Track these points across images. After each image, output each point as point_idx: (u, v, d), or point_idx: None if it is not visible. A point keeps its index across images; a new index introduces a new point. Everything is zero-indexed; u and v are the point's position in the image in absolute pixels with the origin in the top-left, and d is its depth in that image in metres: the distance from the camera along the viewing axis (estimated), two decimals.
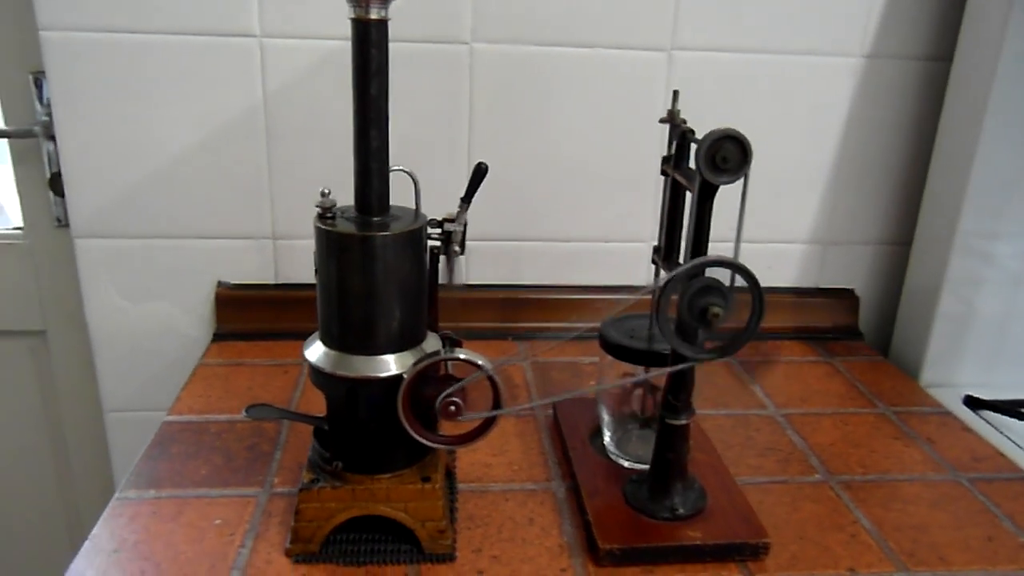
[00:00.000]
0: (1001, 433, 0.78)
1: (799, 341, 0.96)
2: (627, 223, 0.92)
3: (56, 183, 0.94)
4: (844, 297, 0.98)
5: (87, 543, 0.57)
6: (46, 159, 0.97)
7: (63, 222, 0.96)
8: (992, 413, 0.82)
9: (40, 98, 0.94)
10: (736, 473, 0.68)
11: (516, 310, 0.92)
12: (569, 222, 0.92)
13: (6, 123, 0.97)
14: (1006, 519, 0.64)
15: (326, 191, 0.54)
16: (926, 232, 0.91)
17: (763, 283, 0.94)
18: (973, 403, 0.84)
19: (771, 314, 0.95)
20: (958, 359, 0.89)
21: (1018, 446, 0.76)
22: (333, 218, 0.54)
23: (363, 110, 0.52)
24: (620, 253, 0.94)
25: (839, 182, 0.94)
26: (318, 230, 0.53)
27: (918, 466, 0.71)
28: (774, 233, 0.95)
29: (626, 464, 0.67)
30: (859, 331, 0.98)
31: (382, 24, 0.51)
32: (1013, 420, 0.80)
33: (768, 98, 0.90)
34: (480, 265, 0.93)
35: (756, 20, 0.86)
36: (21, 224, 1.01)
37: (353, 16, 0.50)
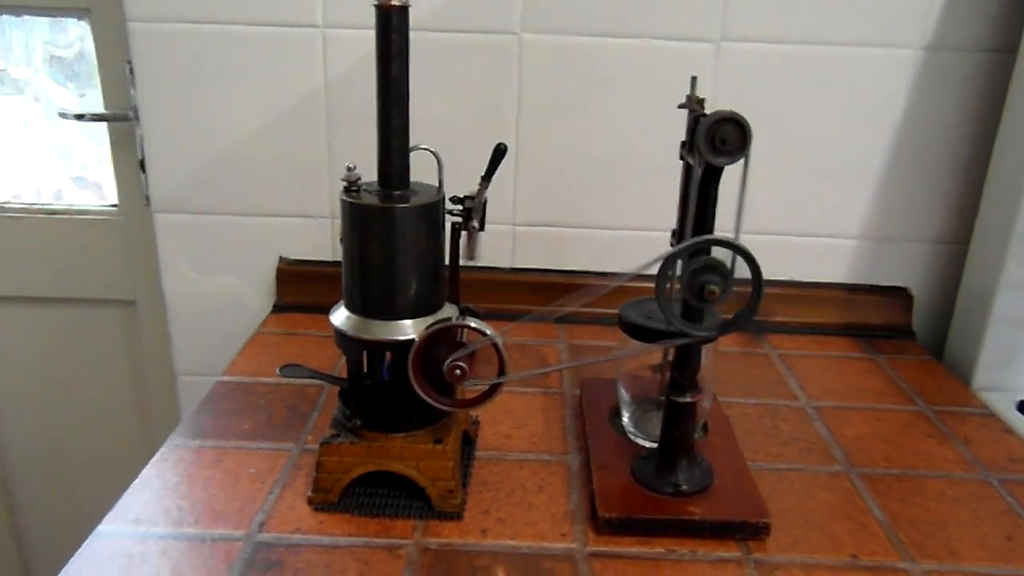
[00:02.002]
0: None
1: (847, 337, 0.94)
2: (672, 213, 0.93)
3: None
4: (897, 295, 0.95)
5: (136, 481, 0.63)
6: (138, 142, 1.05)
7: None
8: None
9: (134, 85, 1.02)
10: (754, 459, 0.69)
11: (560, 295, 0.95)
12: (614, 210, 0.94)
13: (106, 108, 1.06)
14: None
15: (351, 166, 0.58)
16: (984, 231, 0.88)
17: (811, 277, 0.94)
18: None
19: (820, 309, 0.95)
20: (1014, 363, 0.86)
21: None
22: (357, 191, 0.58)
23: (385, 92, 0.56)
24: (664, 242, 0.94)
25: (894, 177, 0.92)
26: (343, 202, 0.58)
27: (947, 464, 0.70)
28: (824, 227, 0.93)
29: (644, 443, 0.69)
30: (912, 331, 0.95)
31: (403, 10, 0.54)
32: None
33: (820, 90, 0.88)
34: (526, 250, 0.96)
35: (808, 10, 0.86)
36: (116, 202, 1.11)
37: (376, 3, 0.54)
